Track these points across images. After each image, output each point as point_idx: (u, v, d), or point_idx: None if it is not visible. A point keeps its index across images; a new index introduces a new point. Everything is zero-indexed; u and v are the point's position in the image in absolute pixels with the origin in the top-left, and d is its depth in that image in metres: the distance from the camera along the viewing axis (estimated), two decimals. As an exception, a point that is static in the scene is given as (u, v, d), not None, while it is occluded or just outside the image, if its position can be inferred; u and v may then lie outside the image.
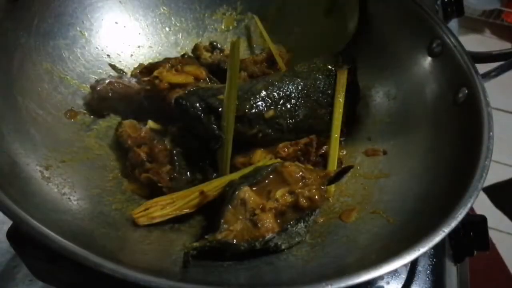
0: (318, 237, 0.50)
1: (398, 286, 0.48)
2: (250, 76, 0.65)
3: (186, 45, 0.70)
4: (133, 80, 0.60)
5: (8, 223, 0.42)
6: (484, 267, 1.02)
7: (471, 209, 0.43)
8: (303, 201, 0.46)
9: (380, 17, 0.65)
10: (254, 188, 0.47)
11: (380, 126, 0.62)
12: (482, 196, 1.12)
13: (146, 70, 0.61)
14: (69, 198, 0.47)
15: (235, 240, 0.44)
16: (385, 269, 0.37)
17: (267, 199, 0.46)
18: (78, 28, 0.60)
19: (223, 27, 0.72)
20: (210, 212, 0.51)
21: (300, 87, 0.58)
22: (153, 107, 0.60)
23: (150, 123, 0.58)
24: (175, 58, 0.62)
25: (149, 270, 0.36)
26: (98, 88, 0.58)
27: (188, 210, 0.50)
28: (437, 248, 0.52)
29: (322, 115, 0.59)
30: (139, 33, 0.67)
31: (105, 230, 0.46)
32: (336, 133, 0.58)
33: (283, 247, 0.47)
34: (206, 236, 0.44)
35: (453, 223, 0.41)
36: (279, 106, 0.56)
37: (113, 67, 0.64)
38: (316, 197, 0.47)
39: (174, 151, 0.54)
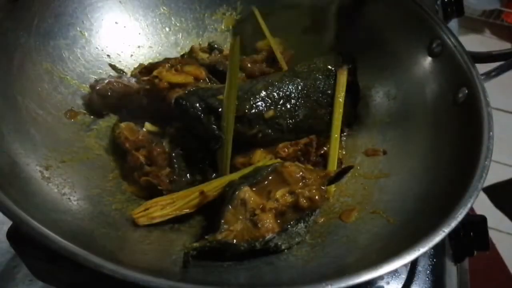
0: (318, 237, 0.50)
1: (398, 286, 0.48)
2: (248, 76, 0.64)
3: (186, 45, 0.70)
4: (133, 80, 0.60)
5: (8, 223, 0.42)
6: (484, 267, 1.02)
7: (471, 209, 0.43)
8: (303, 201, 0.46)
9: (380, 17, 0.65)
10: (254, 188, 0.47)
11: (380, 126, 0.62)
12: (482, 196, 1.12)
13: (146, 70, 0.61)
14: (69, 198, 0.47)
15: (235, 240, 0.44)
16: (385, 269, 0.37)
17: (267, 199, 0.46)
18: (78, 28, 0.60)
19: (223, 27, 0.72)
20: (210, 212, 0.51)
21: (300, 87, 0.58)
22: (152, 107, 0.59)
23: (147, 126, 0.57)
24: (175, 58, 0.62)
25: (149, 270, 0.36)
26: (98, 88, 0.58)
27: (188, 210, 0.50)
28: (437, 248, 0.52)
29: (322, 115, 0.59)
30: (139, 33, 0.67)
31: (105, 230, 0.46)
32: (336, 133, 0.58)
33: (283, 247, 0.47)
34: (206, 236, 0.44)
35: (453, 223, 0.41)
36: (279, 106, 0.56)
37: (113, 67, 0.64)
38: (316, 197, 0.47)
39: (173, 154, 0.54)
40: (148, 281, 0.34)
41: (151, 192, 0.52)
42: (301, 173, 0.48)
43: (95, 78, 0.61)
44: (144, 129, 0.57)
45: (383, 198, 0.53)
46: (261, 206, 0.46)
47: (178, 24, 0.70)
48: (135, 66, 0.65)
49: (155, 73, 0.58)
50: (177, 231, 0.50)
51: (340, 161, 0.58)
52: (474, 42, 2.02)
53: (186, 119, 0.54)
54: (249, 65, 0.65)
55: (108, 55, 0.64)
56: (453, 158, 0.51)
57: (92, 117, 0.59)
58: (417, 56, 0.61)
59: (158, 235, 0.48)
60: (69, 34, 0.59)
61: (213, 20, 0.72)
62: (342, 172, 0.51)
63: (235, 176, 0.51)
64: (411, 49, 0.62)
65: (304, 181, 0.48)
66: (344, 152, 0.61)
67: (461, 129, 0.52)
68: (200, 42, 0.70)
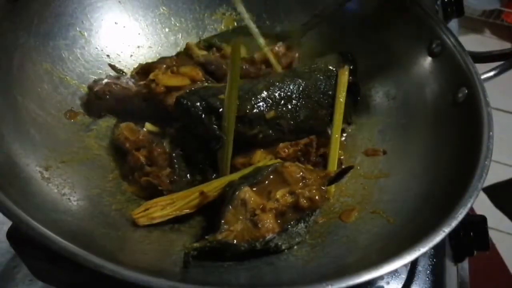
0: (318, 237, 0.50)
1: (398, 286, 0.48)
2: (244, 76, 0.63)
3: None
4: (131, 82, 0.60)
5: (8, 223, 0.42)
6: (484, 267, 1.02)
7: (471, 209, 0.43)
8: (303, 201, 0.46)
9: (380, 17, 0.65)
10: (254, 189, 0.47)
11: (380, 126, 0.62)
12: (482, 196, 1.12)
13: (143, 70, 0.61)
14: (69, 199, 0.47)
15: (235, 241, 0.44)
16: (385, 269, 0.37)
17: (267, 199, 0.46)
18: (77, 28, 0.60)
19: (222, 27, 0.72)
20: (210, 212, 0.51)
21: (301, 88, 0.57)
22: (150, 110, 0.59)
23: (148, 126, 0.57)
24: (170, 58, 0.62)
25: (149, 270, 0.36)
26: (96, 89, 0.58)
27: (188, 210, 0.50)
28: (437, 248, 0.51)
29: (322, 116, 0.59)
30: (139, 33, 0.67)
31: (105, 230, 0.46)
32: (336, 133, 0.58)
33: (283, 247, 0.47)
34: (206, 237, 0.44)
35: (453, 223, 0.40)
36: (280, 106, 0.56)
37: (112, 67, 0.63)
38: (317, 197, 0.47)
39: (174, 154, 0.54)
40: (148, 281, 0.34)
41: (151, 192, 0.52)
42: (301, 173, 0.48)
43: (94, 78, 0.60)
44: (145, 129, 0.57)
45: (383, 198, 0.53)
46: (261, 206, 0.46)
47: (177, 24, 0.70)
48: (135, 66, 0.64)
49: (151, 76, 0.58)
50: (177, 231, 0.50)
51: (340, 161, 0.58)
52: (474, 42, 2.02)
53: (187, 119, 0.53)
54: (245, 66, 0.65)
55: (107, 55, 0.64)
56: (453, 158, 0.51)
57: (91, 118, 0.59)
58: (417, 56, 0.61)
59: (158, 235, 0.48)
60: (69, 34, 0.59)
61: (213, 20, 0.72)
62: (342, 172, 0.51)
63: (235, 176, 0.51)
64: (411, 49, 0.62)
65: (304, 181, 0.48)
66: (344, 153, 0.61)
67: (461, 129, 0.52)
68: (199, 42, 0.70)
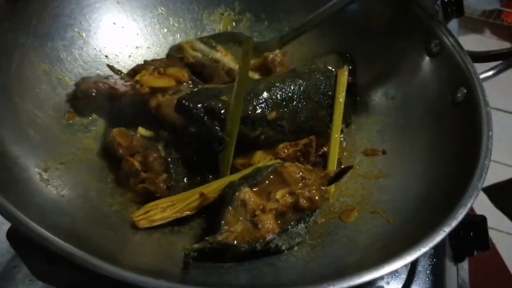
0: (318, 237, 0.50)
1: (398, 286, 0.48)
2: (232, 81, 0.62)
3: (185, 46, 0.70)
4: (120, 82, 0.59)
5: (8, 223, 0.42)
6: (484, 267, 1.02)
7: (471, 209, 0.43)
8: (303, 202, 0.46)
9: (379, 17, 0.65)
10: (254, 189, 0.47)
11: (379, 126, 0.62)
12: (482, 196, 1.12)
13: (133, 72, 0.60)
14: (68, 200, 0.47)
15: (235, 241, 0.44)
16: (385, 270, 0.37)
17: (267, 200, 0.46)
18: (76, 29, 0.60)
19: (221, 27, 0.72)
20: (210, 213, 0.51)
21: (302, 88, 0.57)
22: (139, 112, 0.58)
23: (141, 130, 0.56)
24: (160, 60, 0.62)
25: (149, 271, 0.36)
26: (82, 86, 0.57)
27: (188, 212, 0.49)
28: (437, 248, 0.51)
29: (323, 117, 0.59)
30: (137, 34, 0.67)
31: (104, 231, 0.46)
32: (336, 133, 0.58)
33: (283, 248, 0.47)
34: (206, 238, 0.44)
35: (453, 223, 0.40)
36: (281, 107, 0.55)
37: (111, 68, 0.63)
38: (316, 197, 0.47)
39: (169, 159, 0.53)
40: (148, 282, 0.34)
41: (148, 198, 0.51)
42: (301, 173, 0.48)
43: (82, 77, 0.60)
44: (138, 134, 0.55)
45: (382, 198, 0.53)
46: (261, 207, 0.46)
47: (176, 25, 0.70)
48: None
49: (137, 77, 0.57)
50: (177, 233, 0.50)
51: (339, 161, 0.58)
52: (474, 42, 2.02)
53: (188, 120, 0.53)
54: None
55: (106, 56, 0.63)
56: (453, 158, 0.51)
57: (90, 118, 0.58)
58: (415, 56, 0.61)
59: (158, 237, 0.48)
60: (67, 35, 0.59)
61: (211, 20, 0.72)
62: (341, 172, 0.51)
63: (235, 177, 0.51)
64: (409, 49, 0.62)
65: (304, 181, 0.48)
66: (343, 152, 0.61)
67: (460, 129, 0.52)
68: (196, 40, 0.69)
